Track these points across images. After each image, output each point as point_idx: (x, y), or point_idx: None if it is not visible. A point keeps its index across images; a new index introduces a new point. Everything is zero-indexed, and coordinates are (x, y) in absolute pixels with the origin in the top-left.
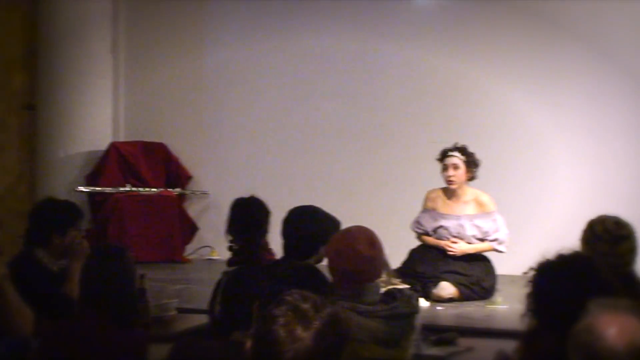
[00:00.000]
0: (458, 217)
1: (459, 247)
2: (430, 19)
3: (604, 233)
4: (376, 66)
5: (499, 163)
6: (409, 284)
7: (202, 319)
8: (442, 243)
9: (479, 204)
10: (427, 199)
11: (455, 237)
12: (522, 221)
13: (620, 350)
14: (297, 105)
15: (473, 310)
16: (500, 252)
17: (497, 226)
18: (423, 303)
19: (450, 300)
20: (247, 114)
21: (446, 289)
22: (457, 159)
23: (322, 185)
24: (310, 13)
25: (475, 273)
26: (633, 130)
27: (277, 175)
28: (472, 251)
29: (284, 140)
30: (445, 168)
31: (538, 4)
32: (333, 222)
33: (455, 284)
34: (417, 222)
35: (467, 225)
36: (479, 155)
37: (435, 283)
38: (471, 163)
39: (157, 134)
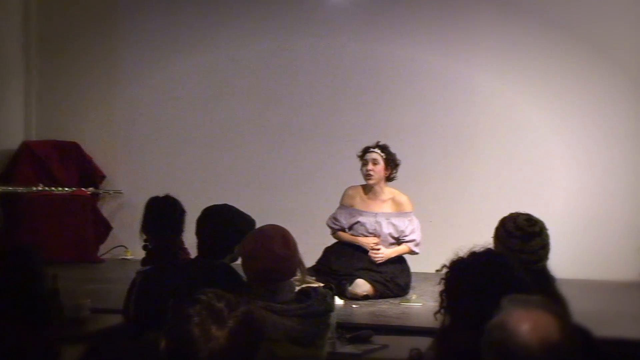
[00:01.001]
0: (375, 214)
1: (383, 253)
2: (343, 15)
3: (516, 230)
4: (290, 64)
5: (416, 161)
6: (324, 282)
7: (117, 319)
8: (362, 241)
9: (397, 203)
10: (345, 195)
11: (371, 233)
12: (438, 218)
13: (534, 347)
14: (211, 104)
15: (388, 307)
16: (416, 253)
17: (413, 227)
18: (338, 301)
19: (365, 297)
20: (160, 112)
21: (361, 286)
22: (377, 154)
23: (237, 184)
24: (223, 11)
25: (390, 270)
26: (549, 129)
27: (191, 174)
28: (394, 255)
29: (199, 139)
30: (364, 163)
31: None
32: (248, 221)
33: (370, 281)
34: (334, 218)
35: (384, 223)
36: (397, 154)
37: (351, 281)
38: (391, 161)
39: (70, 133)
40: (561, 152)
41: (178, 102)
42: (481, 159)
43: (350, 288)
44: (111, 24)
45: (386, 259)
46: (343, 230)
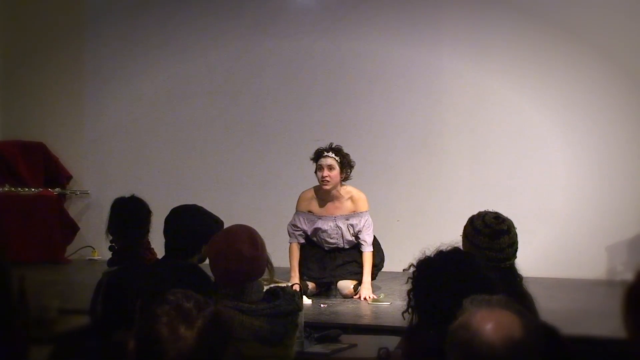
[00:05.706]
0: (334, 218)
1: (366, 292)
2: (309, 15)
3: (484, 227)
4: (256, 63)
5: (384, 160)
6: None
7: (84, 320)
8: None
9: (354, 202)
10: (300, 200)
11: (333, 239)
12: (405, 217)
13: (497, 346)
14: (179, 104)
15: (356, 307)
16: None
17: (367, 224)
18: (306, 300)
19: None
20: (128, 112)
21: (347, 286)
22: (331, 159)
23: (205, 184)
24: (189, 12)
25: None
26: (516, 128)
27: (158, 174)
28: (369, 274)
29: (166, 139)
30: (320, 168)
31: None
32: (215, 221)
33: (350, 276)
34: (293, 225)
35: (344, 227)
36: (362, 154)
37: (331, 281)
38: (346, 164)
39: (35, 133)
40: (529, 150)
41: (144, 102)
42: (449, 158)
43: (339, 289)
44: (77, 25)
45: (370, 286)
46: (304, 234)
